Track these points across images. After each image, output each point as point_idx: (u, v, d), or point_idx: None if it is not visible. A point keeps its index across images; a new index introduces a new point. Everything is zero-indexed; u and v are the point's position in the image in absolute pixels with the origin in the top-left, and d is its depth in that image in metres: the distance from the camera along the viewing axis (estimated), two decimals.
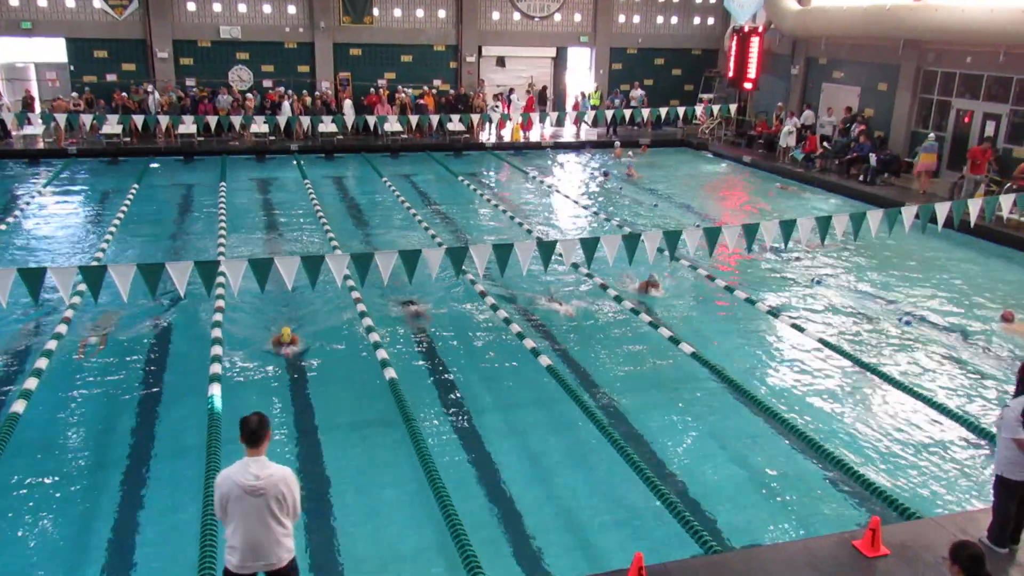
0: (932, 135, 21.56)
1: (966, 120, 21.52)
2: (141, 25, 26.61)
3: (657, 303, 13.02)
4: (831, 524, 7.23)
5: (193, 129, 24.41)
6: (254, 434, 5.07)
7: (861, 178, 21.74)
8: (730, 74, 29.19)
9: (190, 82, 27.24)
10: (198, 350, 10.59)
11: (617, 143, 27.80)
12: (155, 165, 23.62)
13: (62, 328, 10.83)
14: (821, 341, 11.29)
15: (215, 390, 9.08)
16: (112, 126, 23.87)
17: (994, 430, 6.92)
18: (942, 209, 10.86)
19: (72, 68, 26.57)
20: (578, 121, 27.42)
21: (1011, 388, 6.68)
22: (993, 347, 11.46)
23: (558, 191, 21.71)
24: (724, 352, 11.10)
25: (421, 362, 10.75)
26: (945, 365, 10.84)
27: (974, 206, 11.13)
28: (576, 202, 20.47)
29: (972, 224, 11.45)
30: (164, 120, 24.18)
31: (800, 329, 11.76)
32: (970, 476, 8.21)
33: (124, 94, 25.70)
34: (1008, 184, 17.80)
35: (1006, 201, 11.66)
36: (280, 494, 5.02)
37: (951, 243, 16.63)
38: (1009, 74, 20.10)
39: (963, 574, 4.67)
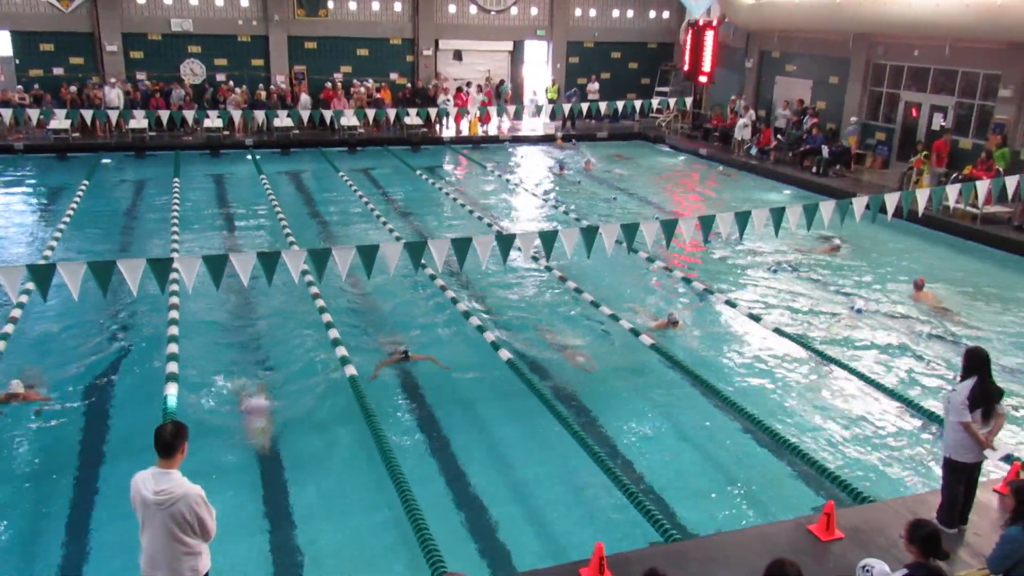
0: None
1: (914, 114, 22.03)
2: (88, 18, 25.96)
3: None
4: (787, 509, 7.36)
5: (144, 124, 23.93)
6: (166, 445, 4.81)
7: (814, 170, 22.10)
8: (686, 68, 29.44)
9: (141, 76, 26.68)
10: (153, 352, 10.46)
11: (559, 135, 28.08)
12: (106, 161, 23.10)
13: (8, 328, 10.59)
14: (776, 330, 11.49)
15: (171, 390, 8.96)
16: (60, 121, 23.28)
17: (942, 414, 7.11)
18: (892, 199, 11.09)
19: (17, 62, 25.80)
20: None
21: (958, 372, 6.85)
22: (941, 334, 11.75)
23: (517, 185, 21.74)
24: (681, 342, 11.22)
25: (372, 341, 10.72)
26: (895, 351, 11.09)
27: (922, 196, 11.39)
28: (535, 195, 20.51)
29: (920, 214, 11.71)
30: (113, 115, 23.65)
31: (756, 318, 11.95)
32: (920, 459, 8.42)
33: (73, 88, 25.08)
34: (955, 175, 18.24)
35: (952, 191, 11.96)
36: (180, 514, 4.76)
37: (902, 233, 16.99)
38: (955, 67, 20.60)
39: (920, 553, 4.79)
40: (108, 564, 6.57)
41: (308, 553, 6.80)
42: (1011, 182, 11.89)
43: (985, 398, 6.31)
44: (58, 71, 25.99)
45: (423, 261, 9.80)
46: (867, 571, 4.46)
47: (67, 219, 16.50)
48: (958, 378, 6.65)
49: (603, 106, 27.11)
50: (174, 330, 10.62)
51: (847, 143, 22.45)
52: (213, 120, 24.39)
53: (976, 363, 6.38)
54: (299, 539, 6.98)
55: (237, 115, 24.81)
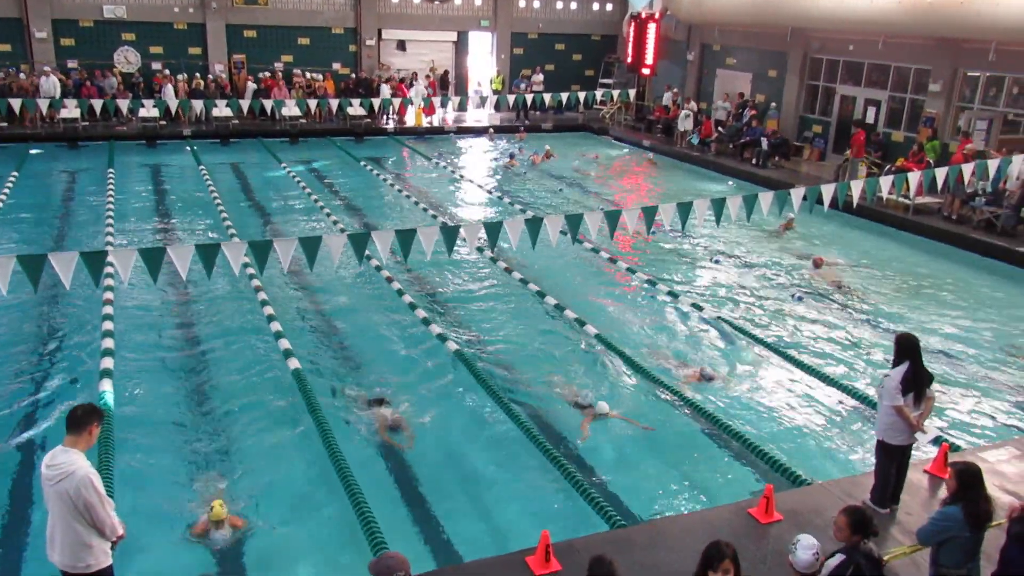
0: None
1: (846, 105, 22.63)
2: (16, 3, 24.98)
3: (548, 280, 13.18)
4: (728, 494, 7.52)
5: (77, 113, 23.18)
6: (75, 419, 4.83)
7: (754, 161, 22.52)
8: (629, 60, 29.67)
9: (72, 64, 25.81)
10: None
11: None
12: (36, 151, 22.32)
13: None
14: (719, 318, 11.70)
15: (106, 386, 8.75)
16: None
17: (875, 398, 7.33)
18: (828, 190, 11.36)
19: None
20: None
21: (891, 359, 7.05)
22: (875, 322, 12.11)
23: (462, 176, 21.67)
24: (625, 331, 11.35)
25: (315, 337, 10.60)
26: (831, 338, 11.39)
27: (856, 187, 11.69)
28: (481, 187, 20.48)
29: (855, 205, 12.02)
30: (44, 104, 22.86)
31: (699, 308, 12.15)
32: (854, 442, 8.67)
33: (22, 76, 24.16)
34: (888, 167, 18.77)
35: (885, 183, 12.30)
36: (66, 493, 4.66)
37: (838, 223, 17.41)
38: (887, 62, 21.18)
39: (855, 535, 4.95)
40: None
41: (254, 545, 6.70)
42: (940, 174, 12.28)
43: (917, 383, 6.52)
44: None
45: (368, 253, 9.72)
46: (795, 544, 4.63)
47: None
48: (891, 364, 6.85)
49: (547, 98, 27.18)
50: (109, 325, 10.38)
51: (766, 126, 23.23)
52: (149, 110, 23.75)
53: (907, 349, 6.58)
54: (245, 530, 6.87)
55: (174, 104, 24.19)
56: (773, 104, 24.18)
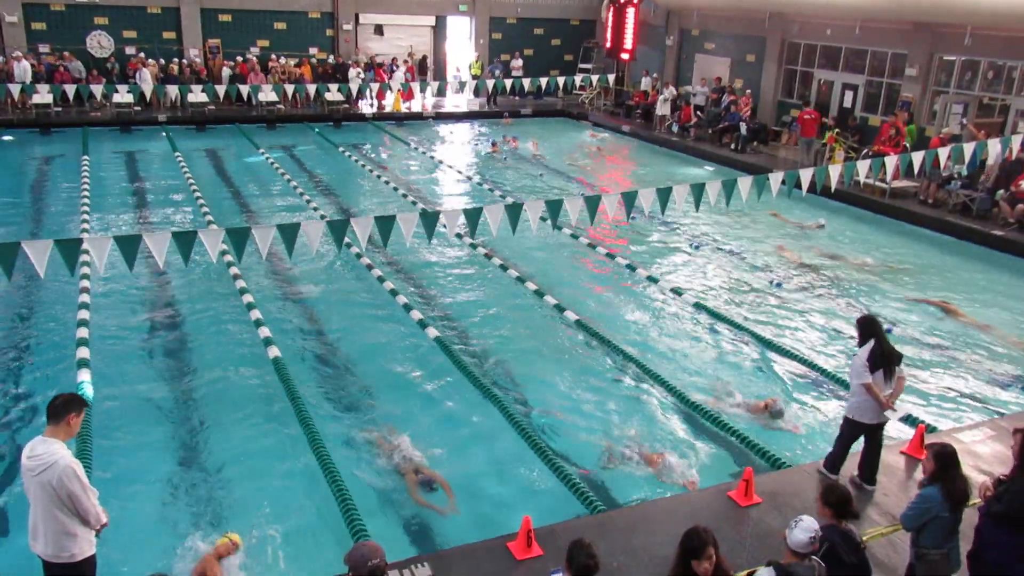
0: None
1: (823, 89, 22.73)
2: None
3: (526, 267, 13.18)
4: (708, 477, 7.56)
5: (49, 99, 22.81)
6: (55, 409, 4.82)
7: (733, 146, 22.59)
8: (608, 45, 29.62)
9: (44, 48, 25.35)
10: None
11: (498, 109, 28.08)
12: (8, 138, 21.97)
13: None
14: (698, 305, 11.76)
15: (84, 376, 8.66)
16: None
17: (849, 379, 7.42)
18: (806, 175, 11.42)
19: None
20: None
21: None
22: (853, 304, 12.21)
23: (442, 162, 21.58)
24: (606, 317, 11.38)
25: (293, 325, 10.56)
26: (810, 322, 11.48)
27: (834, 172, 11.77)
28: (460, 172, 20.41)
29: (833, 189, 12.11)
30: (15, 89, 22.46)
31: (678, 293, 12.20)
32: (832, 423, 8.74)
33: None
34: (865, 151, 18.90)
35: (863, 167, 12.40)
36: (48, 483, 4.67)
37: (816, 207, 17.50)
38: (864, 46, 21.29)
39: (833, 515, 5.03)
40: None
41: (245, 534, 6.68)
42: (917, 158, 12.38)
43: (884, 360, 6.60)
44: None
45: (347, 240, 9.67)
46: (796, 523, 4.72)
47: None
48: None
49: (526, 83, 27.08)
50: (84, 314, 10.26)
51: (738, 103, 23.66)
52: (123, 95, 23.41)
53: (869, 328, 6.72)
54: (238, 525, 6.85)
55: (148, 90, 23.86)
56: (738, 84, 24.57)
